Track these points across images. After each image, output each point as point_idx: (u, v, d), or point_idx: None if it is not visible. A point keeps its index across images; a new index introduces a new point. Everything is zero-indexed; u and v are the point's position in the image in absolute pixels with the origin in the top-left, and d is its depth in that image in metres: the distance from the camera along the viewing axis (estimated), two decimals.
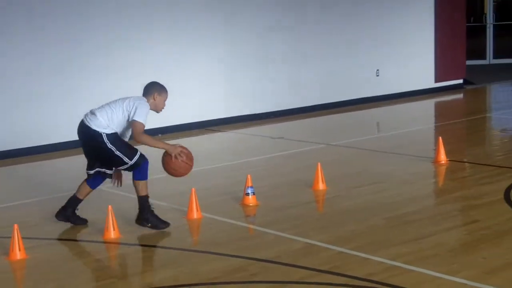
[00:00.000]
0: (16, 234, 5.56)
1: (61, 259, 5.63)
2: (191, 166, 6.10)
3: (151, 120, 6.52)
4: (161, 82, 6.31)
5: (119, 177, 6.31)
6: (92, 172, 6.18)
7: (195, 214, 6.45)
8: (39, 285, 5.11)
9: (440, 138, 8.41)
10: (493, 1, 20.36)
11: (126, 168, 6.03)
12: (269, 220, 6.35)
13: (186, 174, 6.15)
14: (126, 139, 6.15)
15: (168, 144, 6.12)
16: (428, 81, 15.07)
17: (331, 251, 5.43)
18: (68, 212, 6.31)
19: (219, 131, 11.50)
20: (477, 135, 10.75)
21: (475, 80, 16.26)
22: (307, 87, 13.08)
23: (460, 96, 15.17)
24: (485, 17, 20.10)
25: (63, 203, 6.38)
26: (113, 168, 6.19)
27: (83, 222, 6.34)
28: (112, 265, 5.65)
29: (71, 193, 6.40)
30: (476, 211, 6.35)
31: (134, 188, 6.08)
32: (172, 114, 10.23)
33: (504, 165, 8.09)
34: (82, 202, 6.37)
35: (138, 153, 6.00)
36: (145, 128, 6.05)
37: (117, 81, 10.66)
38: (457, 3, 15.39)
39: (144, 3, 11.11)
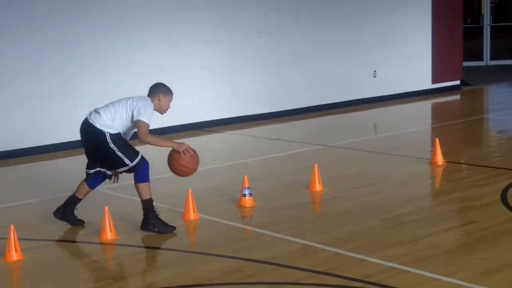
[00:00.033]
0: (12, 235, 5.55)
1: (58, 260, 5.62)
2: (197, 161, 6.05)
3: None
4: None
5: (116, 174, 6.29)
6: (92, 171, 6.16)
7: (191, 215, 6.44)
8: (36, 286, 5.11)
9: (437, 139, 8.41)
10: (490, 3, 20.39)
11: (126, 170, 6.00)
12: (266, 221, 6.35)
13: (193, 170, 6.07)
14: (127, 138, 6.13)
15: (175, 142, 6.09)
16: (425, 82, 15.09)
17: (328, 252, 5.43)
18: (67, 211, 6.29)
19: (216, 132, 11.50)
20: (474, 136, 10.76)
21: (472, 81, 16.28)
22: (304, 88, 13.08)
23: (457, 97, 15.19)
24: (482, 19, 20.12)
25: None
26: (113, 170, 6.17)
27: (80, 223, 6.33)
28: (109, 266, 5.64)
29: (63, 202, 6.38)
30: (473, 212, 6.36)
31: (136, 191, 6.03)
32: (169, 115, 10.19)
33: (501, 166, 8.09)
34: (81, 202, 6.36)
35: (139, 156, 5.98)
36: None
37: (117, 81, 10.67)
38: (454, 4, 15.41)
39: (144, 3, 11.13)
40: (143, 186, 5.98)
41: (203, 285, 4.94)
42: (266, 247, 5.63)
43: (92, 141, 6.02)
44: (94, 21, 10.58)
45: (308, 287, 4.82)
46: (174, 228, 6.08)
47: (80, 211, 6.39)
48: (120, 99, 6.11)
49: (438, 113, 13.93)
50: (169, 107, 6.19)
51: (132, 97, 6.11)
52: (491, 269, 4.94)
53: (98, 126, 5.93)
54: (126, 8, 10.91)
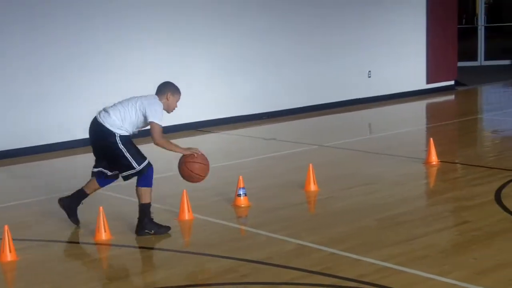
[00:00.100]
0: (6, 236, 5.54)
1: (52, 261, 5.60)
2: (208, 167, 6.09)
3: None
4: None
5: (116, 176, 6.26)
6: (95, 170, 6.14)
7: (186, 215, 6.44)
8: (30, 286, 5.09)
9: (432, 139, 8.43)
10: (485, 3, 20.43)
11: (132, 174, 5.95)
12: (260, 221, 6.35)
13: (204, 177, 6.11)
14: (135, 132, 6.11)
15: (186, 149, 6.05)
16: (419, 82, 15.11)
17: (323, 252, 5.44)
18: (73, 204, 6.23)
19: (211, 132, 11.50)
20: (468, 136, 10.79)
21: (467, 82, 16.31)
22: (299, 88, 13.09)
23: (451, 97, 15.21)
24: (477, 19, 20.17)
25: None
26: (118, 175, 6.09)
27: (76, 222, 6.28)
28: (103, 266, 5.63)
29: (70, 193, 6.36)
30: (467, 212, 6.37)
31: (135, 194, 6.01)
32: (165, 115, 10.22)
33: (495, 166, 8.11)
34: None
35: (146, 160, 5.95)
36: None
37: (117, 81, 10.69)
38: (449, 5, 15.43)
39: (144, 3, 11.15)
40: (145, 190, 5.96)
41: (198, 285, 4.94)
42: (261, 247, 5.63)
43: (101, 141, 5.97)
44: (94, 21, 10.59)
45: (303, 287, 4.82)
46: (169, 228, 6.08)
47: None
48: (128, 98, 6.07)
49: (432, 113, 13.95)
50: (176, 107, 6.18)
51: (140, 96, 6.08)
52: (485, 269, 4.95)
53: (108, 126, 5.89)
54: (126, 8, 10.93)
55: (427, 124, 12.48)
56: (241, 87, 12.33)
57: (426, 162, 8.33)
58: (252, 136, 11.10)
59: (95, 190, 6.30)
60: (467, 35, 19.75)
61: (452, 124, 11.78)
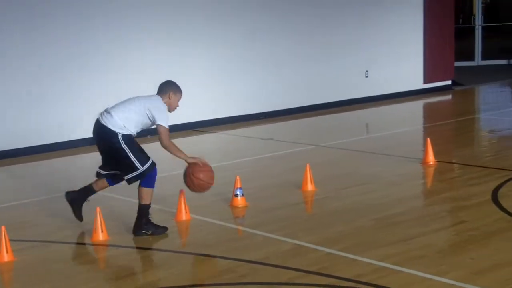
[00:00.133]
0: (3, 236, 5.53)
1: (49, 262, 5.59)
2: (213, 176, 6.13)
3: None
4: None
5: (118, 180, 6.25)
6: (104, 173, 6.12)
7: (184, 216, 6.43)
8: (27, 287, 5.09)
9: (429, 139, 8.43)
10: (482, 3, 20.46)
11: (135, 175, 5.89)
12: (258, 222, 6.35)
13: (212, 182, 6.12)
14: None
15: (190, 158, 6.02)
16: (416, 82, 15.11)
17: (320, 252, 5.44)
18: (80, 199, 6.19)
19: (209, 132, 11.49)
20: (465, 136, 10.79)
21: (464, 81, 16.32)
22: (297, 88, 13.09)
23: (448, 97, 15.23)
24: (474, 19, 20.19)
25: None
26: (123, 178, 6.04)
27: (80, 218, 6.21)
28: (101, 267, 5.63)
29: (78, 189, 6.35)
30: (464, 212, 6.38)
31: (137, 194, 5.98)
32: None
33: (492, 166, 8.12)
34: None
35: (150, 161, 5.93)
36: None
37: (117, 81, 10.69)
38: (446, 4, 15.44)
39: (144, 3, 11.15)
40: (146, 191, 5.95)
41: (195, 285, 4.94)
42: (258, 247, 5.63)
43: (105, 142, 5.93)
44: (94, 21, 10.58)
45: (300, 287, 4.82)
46: (166, 228, 6.07)
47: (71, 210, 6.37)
48: (130, 99, 6.04)
49: (429, 113, 13.96)
50: (178, 106, 6.16)
51: (143, 96, 6.05)
52: (482, 269, 4.95)
53: (110, 127, 5.86)
54: (126, 8, 10.93)
55: (424, 124, 12.49)
56: (238, 87, 12.32)
57: (423, 162, 8.34)
58: (249, 136, 11.10)
59: (103, 188, 6.26)
60: (464, 35, 19.77)
61: (449, 124, 11.79)
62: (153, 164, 5.94)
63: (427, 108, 14.28)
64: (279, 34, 12.79)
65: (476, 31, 19.99)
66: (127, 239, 5.99)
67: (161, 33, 11.32)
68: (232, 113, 12.26)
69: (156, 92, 6.11)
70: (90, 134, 6.22)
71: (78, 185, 6.39)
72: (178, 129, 11.41)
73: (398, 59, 14.68)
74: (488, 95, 15.63)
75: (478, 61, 20.01)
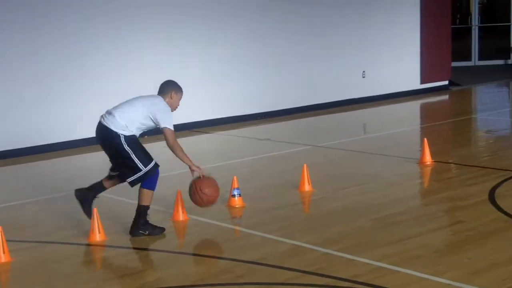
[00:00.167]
0: (0, 237, 5.52)
1: (46, 262, 5.59)
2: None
3: None
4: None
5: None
6: (114, 174, 6.11)
7: (181, 216, 6.43)
8: None
9: (426, 139, 8.44)
10: (478, 3, 20.48)
11: (138, 177, 5.86)
12: (255, 222, 6.35)
13: (217, 195, 6.14)
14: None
15: (193, 164, 6.00)
16: (414, 82, 15.13)
17: (317, 252, 5.44)
18: (90, 196, 6.14)
19: (206, 132, 11.49)
20: (462, 136, 10.81)
21: (461, 82, 16.34)
22: (294, 88, 13.09)
23: (445, 97, 15.24)
24: (471, 19, 20.21)
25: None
26: (125, 180, 6.01)
27: (89, 214, 6.09)
28: (98, 267, 5.63)
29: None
30: (461, 212, 6.38)
31: (138, 195, 5.96)
32: None
33: (489, 166, 8.13)
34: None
35: (153, 162, 5.91)
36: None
37: (117, 81, 10.69)
38: (443, 5, 15.46)
39: (144, 3, 11.16)
40: (147, 192, 5.94)
41: (192, 286, 4.94)
42: (255, 248, 5.63)
43: (108, 144, 5.91)
44: (94, 21, 10.59)
45: (297, 287, 4.82)
46: (163, 229, 6.07)
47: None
48: (132, 99, 6.02)
49: (426, 113, 13.98)
50: (178, 105, 6.15)
51: (145, 97, 6.03)
52: (479, 269, 4.96)
53: (113, 128, 5.83)
54: (126, 8, 10.93)
55: (421, 124, 12.50)
56: (235, 87, 12.32)
57: (420, 162, 8.34)
58: (246, 137, 11.10)
59: (113, 185, 6.22)
60: (461, 35, 19.79)
61: (446, 124, 11.80)
62: (156, 165, 5.92)
63: (424, 108, 14.29)
64: (278, 34, 12.80)
65: (473, 31, 20.02)
66: (124, 239, 5.98)
67: (161, 33, 11.33)
68: (231, 113, 12.26)
69: (157, 92, 6.10)
70: (90, 134, 6.22)
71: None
72: (177, 130, 11.38)
73: (395, 60, 14.69)
74: (485, 95, 15.65)
75: (475, 61, 20.03)
